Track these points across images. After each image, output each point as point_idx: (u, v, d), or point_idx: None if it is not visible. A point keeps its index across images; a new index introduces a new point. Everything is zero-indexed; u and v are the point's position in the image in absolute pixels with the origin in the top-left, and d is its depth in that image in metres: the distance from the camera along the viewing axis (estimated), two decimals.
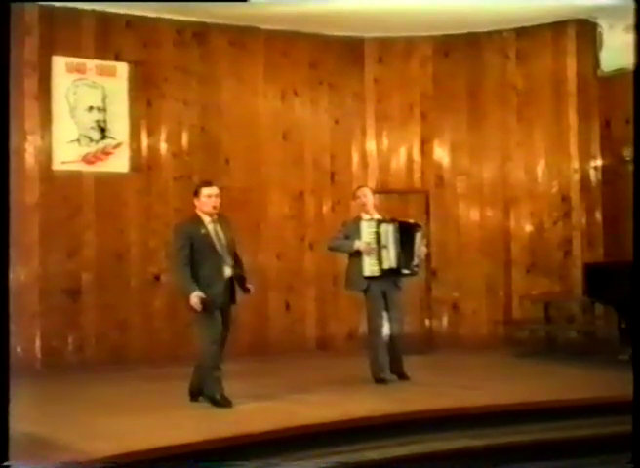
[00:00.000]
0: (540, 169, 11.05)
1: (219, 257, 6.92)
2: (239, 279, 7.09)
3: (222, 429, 5.84)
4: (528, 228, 11.09)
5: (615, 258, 10.01)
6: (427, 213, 10.95)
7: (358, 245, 8.02)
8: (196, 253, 6.88)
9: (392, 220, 8.22)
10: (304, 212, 10.87)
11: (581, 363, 9.34)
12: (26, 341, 9.35)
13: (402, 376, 8.02)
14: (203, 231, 6.94)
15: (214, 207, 6.99)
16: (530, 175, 11.09)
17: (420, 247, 8.21)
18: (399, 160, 11.38)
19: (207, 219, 6.99)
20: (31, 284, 9.45)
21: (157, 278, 10.13)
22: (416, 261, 8.17)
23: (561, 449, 6.41)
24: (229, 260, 6.98)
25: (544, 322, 10.57)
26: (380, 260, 8.00)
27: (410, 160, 11.38)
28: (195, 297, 6.69)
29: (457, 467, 6.06)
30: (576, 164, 10.85)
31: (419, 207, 10.99)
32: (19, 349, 9.21)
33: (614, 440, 6.11)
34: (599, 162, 10.74)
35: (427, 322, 11.06)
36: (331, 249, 8.39)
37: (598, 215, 10.73)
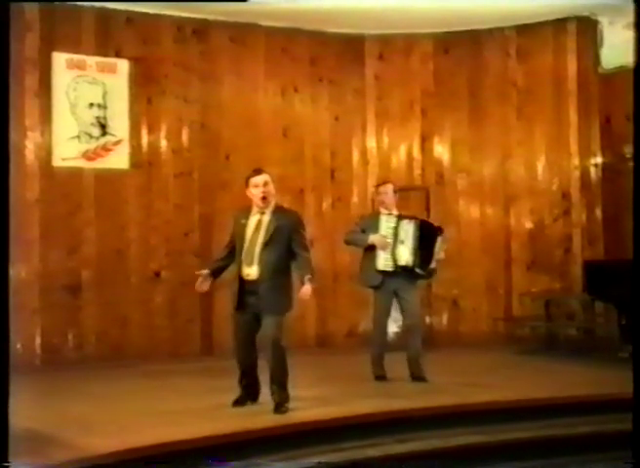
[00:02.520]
0: (541, 166, 11.05)
1: (242, 254, 6.41)
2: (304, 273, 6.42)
3: (222, 426, 5.84)
4: (528, 225, 11.09)
5: (615, 256, 10.02)
6: (427, 210, 10.93)
7: (373, 238, 7.88)
8: (236, 245, 6.51)
9: (413, 218, 8.17)
10: (304, 209, 10.82)
11: (582, 360, 9.34)
12: (26, 338, 9.35)
13: (417, 378, 7.81)
14: (243, 221, 6.47)
15: (263, 198, 6.39)
16: (530, 173, 11.09)
17: (439, 251, 7.99)
18: (399, 157, 11.38)
19: (254, 210, 6.48)
20: (31, 280, 9.45)
21: (157, 275, 10.13)
22: (433, 265, 7.99)
23: (561, 447, 6.40)
24: (257, 261, 6.34)
25: (545, 319, 10.57)
26: (394, 256, 7.85)
27: (410, 157, 11.38)
28: (201, 272, 6.54)
29: (457, 464, 6.05)
30: (576, 161, 10.85)
31: (419, 204, 10.98)
32: (19, 346, 9.21)
33: (614, 437, 6.10)
34: (599, 159, 10.74)
35: (427, 319, 11.05)
36: (346, 242, 8.22)
37: (598, 213, 10.73)
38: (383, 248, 7.87)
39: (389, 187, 8.18)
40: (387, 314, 8.07)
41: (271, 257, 6.35)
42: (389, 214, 8.05)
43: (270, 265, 6.35)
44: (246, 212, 6.54)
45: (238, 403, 6.58)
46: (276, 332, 6.36)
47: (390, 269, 7.88)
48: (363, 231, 8.04)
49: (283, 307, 6.43)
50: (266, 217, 6.45)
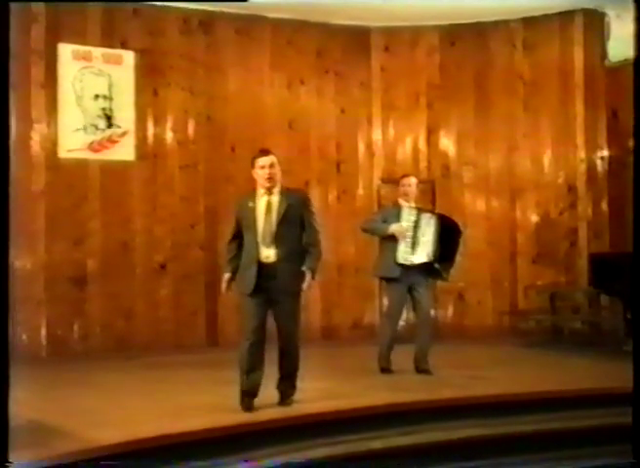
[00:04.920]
0: (547, 159, 11.05)
1: (256, 236, 6.16)
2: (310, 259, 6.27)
3: (227, 417, 5.84)
4: (534, 218, 11.09)
5: (620, 249, 9.99)
6: (433, 202, 10.91)
7: (393, 229, 7.80)
8: (243, 230, 6.27)
9: (434, 213, 8.13)
10: None
11: (587, 353, 9.33)
12: (32, 329, 9.38)
13: (422, 371, 7.81)
14: (250, 204, 6.24)
15: (269, 179, 6.21)
16: (536, 166, 11.08)
17: (459, 253, 7.94)
18: (405, 149, 11.37)
19: (261, 192, 6.27)
20: (37, 272, 9.47)
21: (163, 267, 10.14)
22: (453, 267, 7.94)
23: (565, 440, 6.41)
24: (275, 242, 6.13)
25: (550, 312, 10.56)
26: (415, 250, 7.79)
27: (416, 149, 11.37)
28: (224, 277, 6.29)
29: (461, 457, 6.06)
30: (582, 154, 10.84)
31: (424, 197, 10.91)
32: (24, 337, 9.26)
33: (619, 430, 6.09)
34: (606, 152, 10.73)
35: (433, 312, 11.01)
36: (365, 230, 8.16)
37: (604, 206, 10.72)
38: (404, 238, 7.81)
39: (413, 180, 8.12)
40: (402, 307, 8.04)
41: (288, 237, 6.21)
42: (410, 206, 8.00)
43: (289, 245, 6.20)
44: (251, 196, 6.35)
45: (249, 408, 6.13)
46: (294, 325, 6.28)
47: (409, 262, 7.83)
48: (384, 222, 7.96)
49: (299, 287, 6.25)
50: (275, 198, 6.24)
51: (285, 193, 6.32)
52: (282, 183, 6.45)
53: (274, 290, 6.16)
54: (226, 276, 6.31)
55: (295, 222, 6.25)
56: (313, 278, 6.29)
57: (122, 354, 9.43)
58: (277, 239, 6.17)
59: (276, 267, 6.15)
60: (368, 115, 11.30)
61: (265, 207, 6.23)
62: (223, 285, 6.34)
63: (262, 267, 6.15)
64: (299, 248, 6.27)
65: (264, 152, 6.37)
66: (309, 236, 6.31)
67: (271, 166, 6.25)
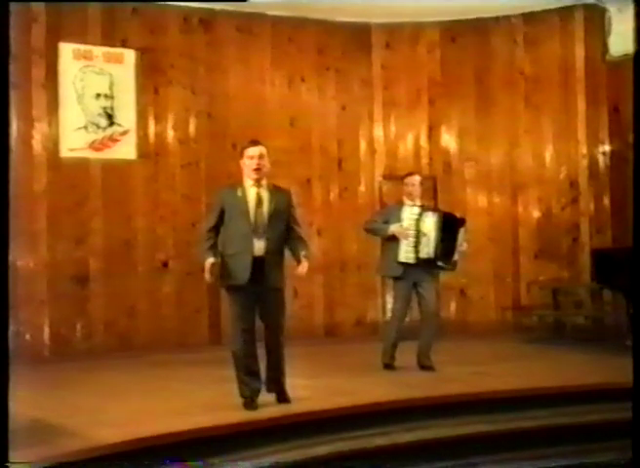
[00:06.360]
0: (548, 154, 11.03)
1: (249, 227, 6.05)
2: (295, 251, 6.27)
3: (231, 415, 5.85)
4: (536, 214, 11.08)
5: (623, 244, 9.98)
6: (435, 199, 10.90)
7: (393, 229, 7.81)
8: (227, 219, 6.13)
9: (437, 210, 8.13)
10: (312, 198, 10.84)
11: (590, 349, 9.32)
12: (35, 328, 9.38)
13: (425, 367, 7.82)
14: (239, 194, 6.12)
15: (256, 170, 6.09)
16: (538, 161, 11.07)
17: (462, 243, 7.93)
18: (406, 146, 11.36)
19: (249, 183, 6.15)
20: (39, 271, 9.46)
21: (165, 265, 10.14)
22: (456, 257, 7.92)
23: (569, 435, 6.40)
24: (265, 234, 6.06)
25: (552, 308, 10.56)
26: (417, 248, 7.76)
27: (417, 146, 11.36)
28: (207, 264, 6.03)
29: (464, 453, 6.06)
30: (584, 149, 10.82)
31: (426, 193, 10.85)
32: (27, 336, 9.26)
33: (622, 425, 6.09)
34: (607, 147, 10.71)
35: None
36: (367, 231, 8.19)
37: (606, 201, 10.70)
38: (406, 238, 7.80)
39: (417, 178, 8.07)
40: (407, 304, 8.03)
41: (275, 231, 6.16)
42: (413, 204, 7.97)
43: (276, 239, 6.15)
44: (238, 186, 6.21)
45: (253, 407, 6.09)
46: (283, 320, 6.31)
47: (412, 261, 7.81)
48: (386, 221, 7.95)
49: (283, 281, 6.28)
50: (265, 191, 6.16)
51: (272, 189, 6.26)
52: (281, 181, 6.47)
53: (262, 283, 6.09)
54: (211, 260, 6.09)
55: (282, 219, 6.21)
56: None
57: (125, 352, 9.44)
58: (268, 232, 6.11)
59: (265, 260, 6.09)
60: (369, 112, 11.30)
61: (256, 198, 6.14)
62: (207, 272, 6.10)
63: (254, 259, 6.07)
64: (281, 244, 6.25)
65: (254, 143, 6.26)
66: (296, 231, 6.32)
67: (260, 157, 6.15)
